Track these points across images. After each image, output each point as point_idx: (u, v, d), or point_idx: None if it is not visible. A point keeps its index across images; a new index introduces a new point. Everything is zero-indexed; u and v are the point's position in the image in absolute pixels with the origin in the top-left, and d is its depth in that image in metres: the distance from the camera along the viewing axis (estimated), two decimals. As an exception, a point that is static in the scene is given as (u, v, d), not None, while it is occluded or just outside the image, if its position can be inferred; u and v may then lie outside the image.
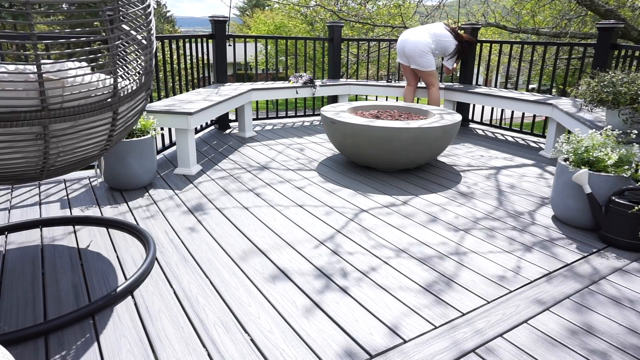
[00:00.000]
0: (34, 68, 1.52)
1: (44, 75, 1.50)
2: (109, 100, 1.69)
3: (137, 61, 1.89)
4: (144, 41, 1.83)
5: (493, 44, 6.40)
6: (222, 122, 4.88)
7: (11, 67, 1.63)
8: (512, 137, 4.80)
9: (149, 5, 1.79)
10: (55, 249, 2.17)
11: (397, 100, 5.65)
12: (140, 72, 1.86)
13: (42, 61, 1.51)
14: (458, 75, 5.39)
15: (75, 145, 1.69)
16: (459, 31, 4.78)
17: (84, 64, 1.68)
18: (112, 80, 1.70)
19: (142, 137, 2.90)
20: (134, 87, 1.82)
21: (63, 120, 1.56)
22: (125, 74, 1.85)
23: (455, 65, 4.87)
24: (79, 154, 1.75)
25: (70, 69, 1.63)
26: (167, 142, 4.03)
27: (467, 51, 4.88)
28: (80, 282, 1.90)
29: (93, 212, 2.63)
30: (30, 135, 1.54)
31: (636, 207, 2.14)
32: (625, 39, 6.70)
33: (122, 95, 1.74)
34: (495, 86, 5.41)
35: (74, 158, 1.75)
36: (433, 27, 4.67)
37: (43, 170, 1.70)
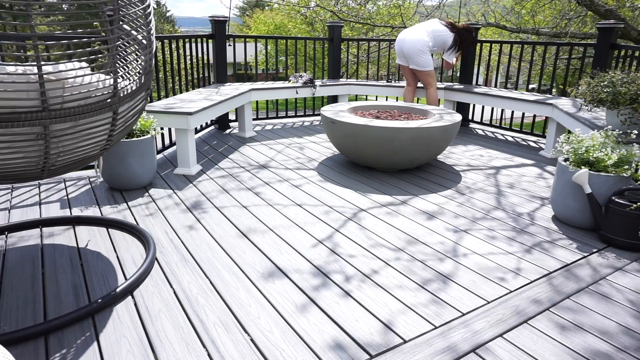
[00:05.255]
0: (34, 69, 1.52)
1: (44, 76, 1.51)
2: (109, 100, 1.69)
3: (137, 61, 1.89)
4: (143, 41, 1.83)
5: (493, 44, 6.40)
6: (222, 122, 4.88)
7: (12, 68, 1.63)
8: (512, 137, 4.80)
9: (148, 6, 1.79)
10: (55, 249, 2.17)
11: (397, 100, 5.65)
12: (140, 72, 1.86)
13: (43, 62, 1.51)
14: (458, 75, 5.39)
15: (75, 145, 1.69)
16: (454, 22, 4.76)
17: (85, 64, 1.69)
18: (112, 80, 1.70)
19: (142, 137, 2.90)
20: (134, 87, 1.82)
21: (63, 120, 1.56)
22: (125, 74, 1.85)
23: (455, 59, 4.81)
24: (79, 154, 1.75)
25: (71, 69, 1.63)
26: (167, 142, 4.03)
27: (467, 40, 4.74)
28: (80, 282, 1.90)
29: (93, 212, 2.63)
30: (31, 135, 1.54)
31: (634, 205, 2.14)
32: (625, 39, 6.70)
33: (122, 95, 1.74)
34: (495, 86, 5.40)
35: (74, 157, 1.75)
36: (429, 25, 4.66)
37: (44, 170, 1.70)
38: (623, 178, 2.34)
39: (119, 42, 1.78)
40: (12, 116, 1.46)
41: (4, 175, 1.66)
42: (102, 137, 1.78)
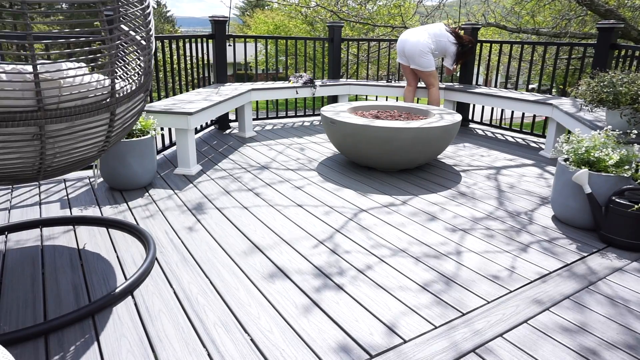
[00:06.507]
0: (30, 68, 1.52)
1: (40, 75, 1.50)
2: (106, 101, 1.69)
3: (136, 62, 1.89)
4: (142, 42, 1.83)
5: (493, 44, 6.40)
6: (222, 122, 4.88)
7: (7, 67, 1.62)
8: (512, 137, 4.80)
9: (148, 6, 1.79)
10: (55, 249, 2.17)
11: (397, 100, 5.65)
12: (139, 72, 1.86)
13: (39, 61, 1.51)
14: (458, 75, 5.39)
15: (72, 146, 1.69)
16: (459, 32, 4.78)
17: (82, 64, 1.68)
18: (109, 80, 1.70)
19: (142, 137, 2.90)
20: (133, 88, 1.82)
21: (59, 120, 1.56)
22: (124, 74, 1.85)
23: (455, 66, 4.87)
24: (76, 155, 1.75)
25: (68, 69, 1.63)
26: (167, 142, 4.03)
27: (468, 53, 4.86)
28: (80, 282, 1.90)
29: (93, 212, 2.63)
30: (27, 135, 1.54)
31: (636, 207, 2.14)
32: (625, 39, 6.70)
33: (119, 96, 1.73)
34: (495, 86, 5.41)
35: (71, 159, 1.75)
36: (433, 28, 4.68)
37: (40, 171, 1.70)
38: (623, 178, 2.34)
39: (118, 43, 1.78)
40: (7, 116, 1.46)
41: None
42: (100, 139, 1.77)
